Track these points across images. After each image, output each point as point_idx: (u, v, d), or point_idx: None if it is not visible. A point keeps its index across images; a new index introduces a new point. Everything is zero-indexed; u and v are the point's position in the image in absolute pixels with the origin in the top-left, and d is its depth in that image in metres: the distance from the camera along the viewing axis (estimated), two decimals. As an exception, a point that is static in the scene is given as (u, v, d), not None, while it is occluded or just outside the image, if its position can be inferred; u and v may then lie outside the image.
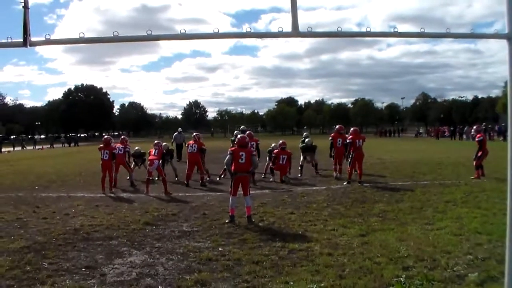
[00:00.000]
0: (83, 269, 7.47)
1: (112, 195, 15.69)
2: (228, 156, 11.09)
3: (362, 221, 10.34)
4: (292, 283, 6.42)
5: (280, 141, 19.17)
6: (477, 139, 17.89)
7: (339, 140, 18.20)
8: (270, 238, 9.04)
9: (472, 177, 16.76)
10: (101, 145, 16.63)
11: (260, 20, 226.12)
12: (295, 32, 4.35)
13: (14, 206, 13.52)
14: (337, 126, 20.04)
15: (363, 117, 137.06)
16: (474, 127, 21.12)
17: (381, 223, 10.08)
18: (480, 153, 17.18)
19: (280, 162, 17.87)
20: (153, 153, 15.85)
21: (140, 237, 9.50)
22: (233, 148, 11.25)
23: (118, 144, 18.40)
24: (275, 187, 16.55)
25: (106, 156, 16.58)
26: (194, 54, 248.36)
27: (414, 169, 21.01)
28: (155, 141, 17.43)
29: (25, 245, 9.00)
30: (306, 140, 20.38)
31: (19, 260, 7.92)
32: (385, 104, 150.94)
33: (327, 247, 8.20)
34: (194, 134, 19.33)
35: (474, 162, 17.39)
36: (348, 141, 17.50)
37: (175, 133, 29.83)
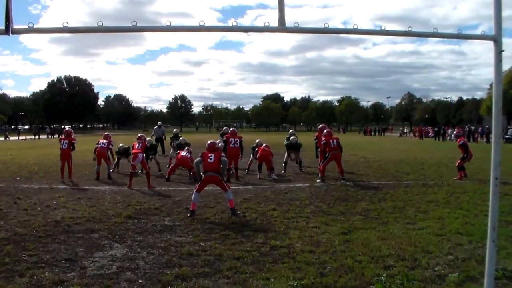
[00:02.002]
0: (63, 261, 7.41)
1: (69, 184, 16.00)
2: (198, 158, 11.38)
3: (344, 219, 10.35)
4: (273, 280, 6.40)
5: (264, 144, 19.28)
6: (458, 144, 18.01)
7: (333, 142, 18.15)
8: (252, 234, 9.02)
9: (455, 178, 16.87)
10: (62, 136, 16.94)
11: (246, 16, 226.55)
12: (282, 28, 4.33)
13: (-6, 196, 13.36)
14: (320, 125, 20.12)
15: (349, 115, 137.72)
16: (454, 131, 21.05)
17: (363, 221, 10.10)
18: (464, 156, 17.27)
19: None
20: (136, 146, 15.75)
21: (121, 231, 9.44)
22: (203, 152, 11.51)
23: (102, 140, 18.50)
24: (258, 183, 16.53)
25: (65, 146, 17.63)
26: (180, 48, 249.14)
27: (397, 169, 21.15)
28: (139, 135, 17.34)
29: (4, 236, 8.92)
30: (291, 138, 20.33)
31: (-3, 252, 7.85)
32: (370, 103, 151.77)
33: (309, 245, 8.20)
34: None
35: (457, 163, 17.49)
36: (322, 142, 17.72)
37: (155, 127, 29.97)
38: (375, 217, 10.61)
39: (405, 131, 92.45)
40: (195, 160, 11.83)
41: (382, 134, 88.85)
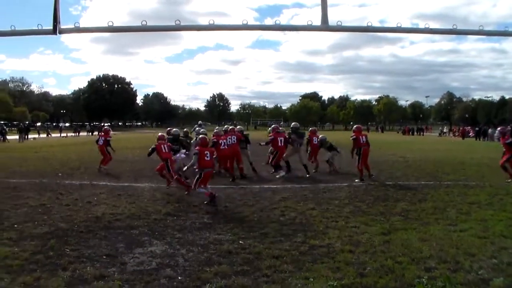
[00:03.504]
0: (104, 257, 7.54)
1: (109, 181, 16.36)
2: (194, 156, 12.44)
3: (384, 219, 10.24)
4: (312, 279, 6.38)
5: (273, 125, 19.53)
6: (506, 142, 16.93)
7: (362, 138, 17.90)
8: (291, 233, 9.01)
9: (508, 180, 16.09)
10: (101, 133, 17.90)
11: (282, 15, 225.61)
12: (325, 26, 4.31)
13: (38, 192, 13.68)
14: (356, 126, 19.82)
15: (387, 114, 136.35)
16: (498, 128, 20.24)
17: (403, 222, 9.97)
18: (507, 155, 16.61)
19: (280, 144, 17.85)
20: (163, 150, 14.86)
21: (161, 227, 9.54)
22: (197, 148, 12.55)
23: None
24: (297, 182, 16.47)
25: (101, 142, 20.33)
26: (217, 47, 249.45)
27: (437, 169, 20.76)
28: (159, 134, 16.28)
29: (48, 231, 9.13)
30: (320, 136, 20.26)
31: (42, 246, 8.05)
32: (409, 102, 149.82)
33: (348, 244, 8.14)
34: (231, 127, 19.61)
35: (501, 163, 16.93)
36: (352, 137, 17.62)
37: (196, 126, 28.89)
38: (415, 217, 10.45)
39: (444, 130, 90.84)
40: (193, 159, 12.54)
41: (421, 133, 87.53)
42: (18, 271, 6.76)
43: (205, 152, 12.28)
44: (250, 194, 13.53)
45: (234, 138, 17.65)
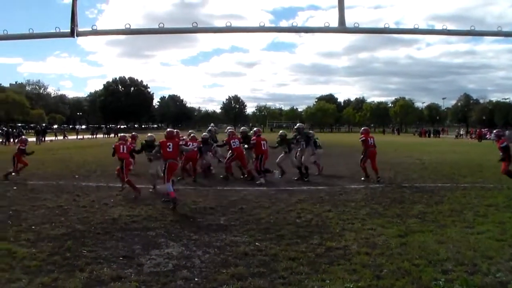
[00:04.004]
0: (121, 258, 7.60)
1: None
2: (156, 148, 13.40)
3: (400, 221, 10.19)
4: (328, 281, 6.38)
5: (255, 129, 19.35)
6: (500, 146, 15.91)
7: (371, 140, 17.81)
8: (307, 235, 9.01)
9: None
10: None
11: (297, 17, 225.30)
12: (342, 28, 4.31)
13: (55, 194, 13.82)
14: (363, 128, 19.64)
15: (403, 116, 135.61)
16: (494, 131, 19.33)
17: (420, 224, 9.91)
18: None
19: (263, 148, 17.42)
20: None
21: (177, 229, 9.58)
22: (161, 140, 13.19)
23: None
24: (313, 184, 16.44)
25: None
26: (232, 49, 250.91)
27: (454, 171, 20.63)
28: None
29: (65, 232, 9.22)
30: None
31: (59, 247, 8.13)
32: (425, 104, 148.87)
33: (365, 247, 8.12)
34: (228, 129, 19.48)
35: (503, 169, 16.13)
36: (361, 138, 17.69)
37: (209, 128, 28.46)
38: (432, 220, 10.39)
39: (461, 132, 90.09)
40: (154, 150, 13.75)
41: (438, 136, 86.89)
42: (36, 271, 6.84)
43: (168, 143, 12.78)
44: (266, 196, 13.54)
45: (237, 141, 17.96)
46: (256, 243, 8.43)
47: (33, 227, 9.61)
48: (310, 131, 21.25)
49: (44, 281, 6.39)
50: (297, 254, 7.67)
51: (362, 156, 17.51)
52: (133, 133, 21.03)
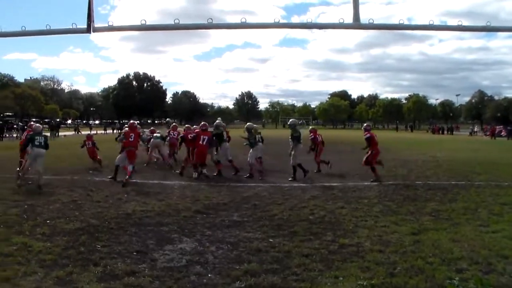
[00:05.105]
0: (134, 253, 7.64)
1: (138, 179, 16.31)
2: (121, 136, 16.68)
3: (414, 219, 10.15)
4: (342, 279, 6.37)
5: (202, 123, 18.63)
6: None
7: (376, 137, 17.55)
8: (320, 231, 9.00)
9: None
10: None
11: (308, 13, 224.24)
12: (357, 24, 4.29)
13: (69, 189, 13.89)
14: (365, 124, 19.25)
15: (416, 113, 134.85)
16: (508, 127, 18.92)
17: (434, 222, 9.87)
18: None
19: (200, 142, 17.09)
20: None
21: (190, 225, 9.61)
22: (125, 132, 16.56)
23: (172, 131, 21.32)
24: (326, 180, 16.43)
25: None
26: (245, 45, 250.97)
27: (468, 169, 20.49)
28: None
29: (79, 227, 9.27)
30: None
31: (74, 241, 8.18)
32: (438, 101, 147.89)
33: (378, 244, 8.10)
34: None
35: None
36: (310, 137, 18.23)
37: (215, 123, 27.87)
38: (446, 218, 10.34)
39: (475, 129, 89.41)
40: (119, 138, 17.67)
41: (451, 133, 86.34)
42: (51, 265, 6.89)
43: (131, 134, 16.04)
44: (279, 192, 13.55)
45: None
46: (269, 239, 8.43)
47: (48, 221, 9.69)
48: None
49: (59, 275, 6.43)
50: (310, 251, 7.67)
51: (368, 154, 16.84)
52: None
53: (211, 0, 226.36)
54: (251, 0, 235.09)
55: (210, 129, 18.32)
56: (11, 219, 9.81)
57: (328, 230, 9.09)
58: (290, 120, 19.27)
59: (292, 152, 16.92)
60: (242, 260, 7.28)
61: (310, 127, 21.36)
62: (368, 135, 17.01)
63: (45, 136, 15.47)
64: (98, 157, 20.99)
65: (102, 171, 18.49)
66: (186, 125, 21.51)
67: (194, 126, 20.20)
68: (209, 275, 6.60)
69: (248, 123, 19.06)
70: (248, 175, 17.22)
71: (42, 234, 8.63)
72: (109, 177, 16.09)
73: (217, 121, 19.61)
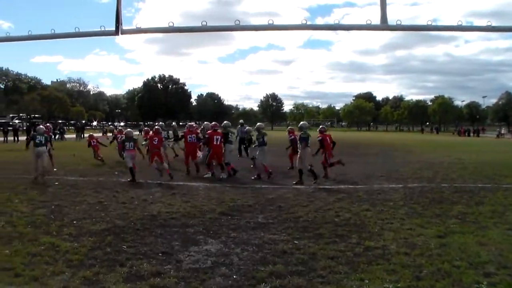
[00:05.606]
0: (160, 254, 7.70)
1: (164, 180, 16.35)
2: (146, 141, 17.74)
3: (440, 222, 10.05)
4: (367, 281, 6.34)
5: (213, 123, 19.00)
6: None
7: None
8: (346, 234, 8.97)
9: None
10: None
11: (333, 14, 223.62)
12: (384, 25, 4.26)
13: (95, 190, 14.06)
14: (320, 126, 18.83)
15: (442, 115, 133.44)
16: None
17: (460, 225, 9.76)
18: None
19: (215, 142, 17.35)
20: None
21: (216, 226, 9.64)
22: (150, 135, 17.68)
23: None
24: (351, 183, 16.36)
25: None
26: (269, 47, 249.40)
27: (495, 171, 20.17)
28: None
29: (105, 227, 9.38)
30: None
31: (100, 242, 8.28)
32: (464, 103, 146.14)
33: (404, 247, 8.04)
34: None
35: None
36: (318, 138, 17.59)
37: (238, 126, 27.53)
38: (473, 221, 10.21)
39: (502, 132, 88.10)
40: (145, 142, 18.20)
41: (477, 135, 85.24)
42: (78, 265, 6.98)
43: (154, 138, 17.09)
44: (304, 194, 13.53)
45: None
46: (295, 241, 8.42)
47: (74, 222, 9.82)
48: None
49: (86, 275, 6.51)
50: (336, 253, 7.65)
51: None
52: (145, 128, 23.09)
53: (235, 2, 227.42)
54: (274, 2, 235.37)
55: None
56: (38, 220, 9.98)
57: (354, 233, 9.06)
58: (258, 124, 19.29)
59: (299, 156, 16.46)
60: (267, 261, 7.29)
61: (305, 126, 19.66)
62: (321, 137, 17.35)
63: (46, 136, 17.44)
64: (101, 156, 23.07)
65: (128, 173, 18.61)
66: (188, 123, 21.81)
67: (194, 125, 21.14)
68: (234, 277, 6.63)
69: (258, 123, 19.16)
70: (255, 176, 17.40)
71: (69, 234, 8.76)
72: (128, 179, 16.23)
73: (225, 122, 19.82)
